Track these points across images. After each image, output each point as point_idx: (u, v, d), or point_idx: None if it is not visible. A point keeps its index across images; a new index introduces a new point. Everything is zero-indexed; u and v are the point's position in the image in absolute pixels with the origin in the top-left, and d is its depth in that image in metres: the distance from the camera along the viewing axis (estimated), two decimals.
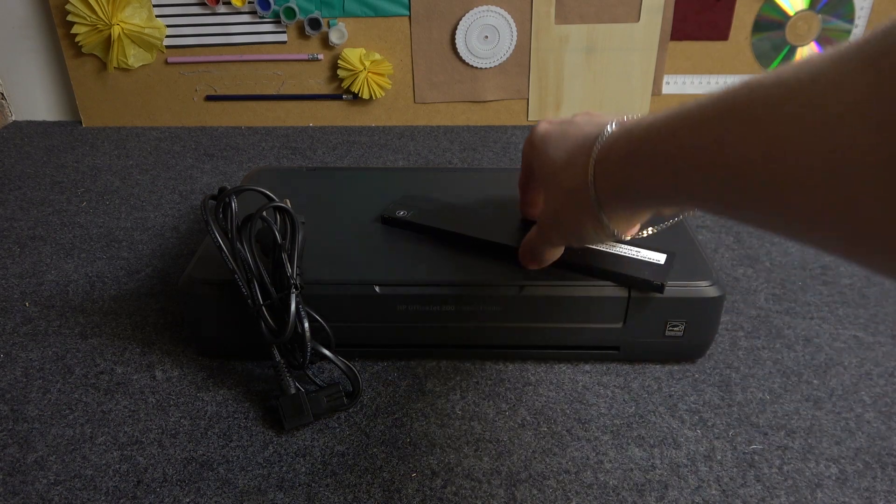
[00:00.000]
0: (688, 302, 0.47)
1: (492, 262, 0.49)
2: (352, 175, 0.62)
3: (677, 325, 0.48)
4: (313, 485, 0.42)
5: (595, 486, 0.41)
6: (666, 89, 0.93)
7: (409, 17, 0.89)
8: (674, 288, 0.47)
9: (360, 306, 0.48)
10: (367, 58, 0.90)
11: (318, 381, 0.47)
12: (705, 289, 0.47)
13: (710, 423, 0.46)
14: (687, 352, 0.50)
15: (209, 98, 0.95)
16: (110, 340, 0.53)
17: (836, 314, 0.56)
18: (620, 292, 0.47)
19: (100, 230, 0.70)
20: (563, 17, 0.88)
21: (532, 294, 0.47)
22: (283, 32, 0.91)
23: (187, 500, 0.41)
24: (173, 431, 0.45)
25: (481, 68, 0.91)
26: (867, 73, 0.20)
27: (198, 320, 0.49)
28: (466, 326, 0.48)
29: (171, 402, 0.47)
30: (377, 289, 0.47)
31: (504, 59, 0.91)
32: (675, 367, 0.51)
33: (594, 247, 0.49)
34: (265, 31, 0.91)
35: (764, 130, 0.24)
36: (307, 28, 0.89)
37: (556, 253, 0.46)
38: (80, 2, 0.87)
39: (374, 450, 0.44)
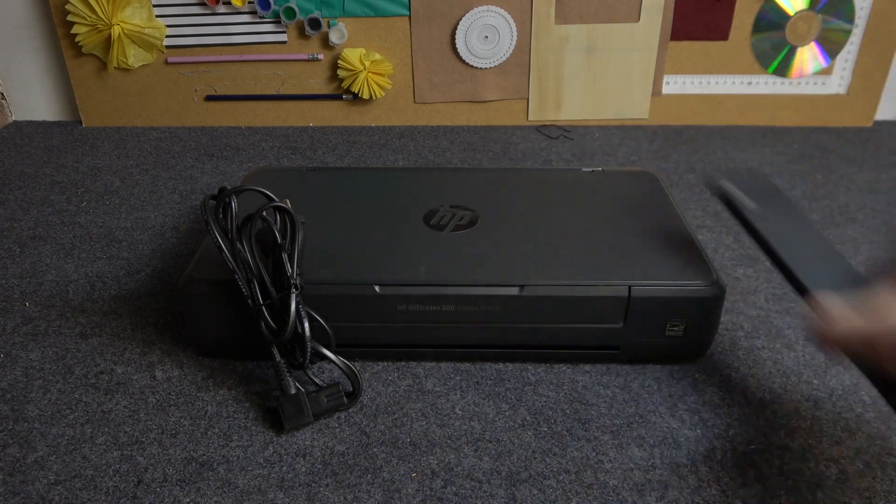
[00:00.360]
0: (688, 302, 0.47)
1: (492, 263, 0.49)
2: (352, 175, 0.63)
3: (677, 325, 0.48)
4: (313, 485, 0.41)
5: (595, 486, 0.41)
6: (666, 89, 0.93)
7: (409, 17, 0.89)
8: (674, 288, 0.47)
9: (360, 306, 0.48)
10: (367, 58, 0.90)
11: (318, 380, 0.47)
12: (705, 289, 0.47)
13: (710, 423, 0.46)
14: (687, 352, 0.50)
15: (209, 98, 0.95)
16: (110, 340, 0.53)
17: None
18: (620, 292, 0.47)
19: (100, 230, 0.70)
20: (563, 17, 0.88)
21: (532, 294, 0.47)
22: (283, 32, 0.91)
23: (187, 500, 0.41)
24: (173, 431, 0.45)
25: (481, 68, 0.91)
26: None
27: (198, 320, 0.49)
28: (467, 326, 0.48)
29: (171, 402, 0.47)
30: (377, 289, 0.47)
31: (504, 59, 0.91)
32: (675, 367, 0.51)
33: None
34: (265, 31, 0.91)
35: None
36: (307, 28, 0.89)
37: (856, 349, 0.35)
38: (80, 2, 0.87)
39: (374, 450, 0.44)
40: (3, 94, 0.98)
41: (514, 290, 0.47)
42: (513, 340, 0.50)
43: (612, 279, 0.47)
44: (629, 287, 0.47)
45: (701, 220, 0.71)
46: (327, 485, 0.41)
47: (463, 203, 0.56)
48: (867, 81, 0.91)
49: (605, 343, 0.49)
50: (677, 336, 0.48)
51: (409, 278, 0.47)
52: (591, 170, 0.63)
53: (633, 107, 0.94)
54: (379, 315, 0.48)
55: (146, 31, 0.90)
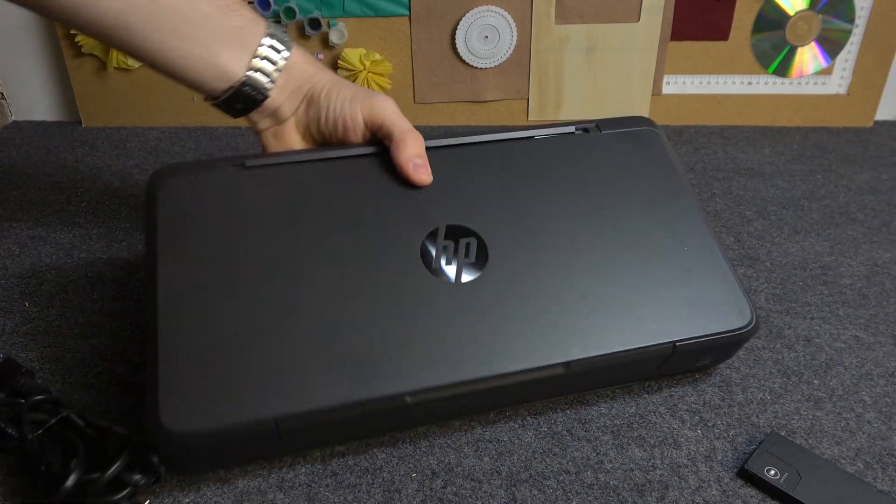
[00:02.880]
0: (725, 342, 0.45)
1: (526, 334, 0.42)
2: (303, 170, 0.47)
3: (706, 359, 0.47)
4: (313, 485, 0.41)
5: (595, 487, 0.41)
6: (666, 89, 0.93)
7: (409, 17, 0.89)
8: (716, 337, 0.44)
9: (387, 418, 0.41)
10: (367, 58, 0.90)
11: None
12: (744, 331, 0.44)
13: (710, 423, 0.46)
14: (703, 370, 0.50)
15: None
16: (110, 340, 0.53)
17: (836, 314, 0.56)
18: (665, 351, 0.44)
19: (100, 230, 0.70)
20: (563, 17, 0.88)
21: (578, 370, 0.42)
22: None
23: (187, 500, 0.41)
24: None
25: (481, 68, 0.91)
26: None
27: None
28: (500, 401, 0.46)
29: None
30: (408, 399, 0.39)
31: (504, 59, 0.91)
32: None
33: None
34: None
35: None
36: (307, 28, 0.89)
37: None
38: None
39: (374, 450, 0.44)
40: (3, 94, 0.98)
41: (560, 370, 0.42)
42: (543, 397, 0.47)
43: (658, 338, 0.43)
44: (674, 344, 0.43)
45: None
46: (327, 485, 0.41)
47: (457, 219, 0.46)
48: (867, 81, 0.91)
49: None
50: (704, 364, 0.48)
51: (440, 379, 0.40)
52: (584, 127, 0.53)
53: (633, 107, 0.94)
54: (402, 418, 0.42)
55: None
